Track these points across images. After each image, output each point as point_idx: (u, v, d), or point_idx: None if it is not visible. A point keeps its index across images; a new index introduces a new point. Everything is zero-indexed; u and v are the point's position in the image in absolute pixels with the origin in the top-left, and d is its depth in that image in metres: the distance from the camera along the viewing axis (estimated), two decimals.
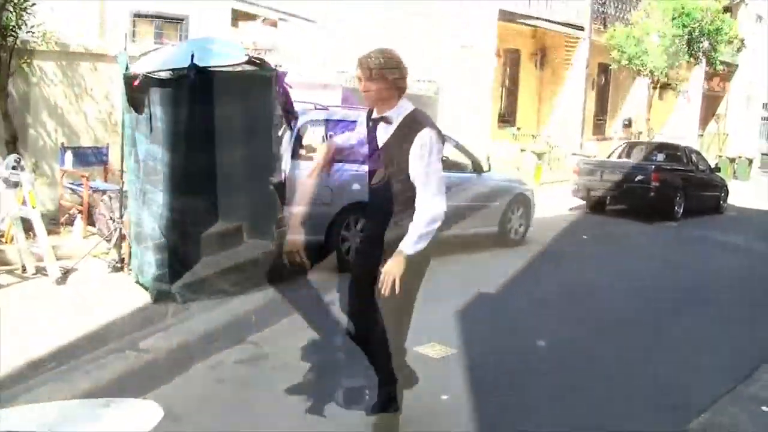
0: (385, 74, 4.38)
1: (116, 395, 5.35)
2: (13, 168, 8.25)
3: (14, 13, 9.48)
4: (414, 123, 4.45)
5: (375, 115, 4.58)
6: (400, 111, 4.50)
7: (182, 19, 17.32)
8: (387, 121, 4.50)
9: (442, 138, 4.50)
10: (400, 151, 4.42)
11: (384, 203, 4.58)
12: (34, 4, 9.64)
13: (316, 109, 10.14)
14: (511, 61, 24.88)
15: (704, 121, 34.23)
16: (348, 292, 4.90)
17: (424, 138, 4.37)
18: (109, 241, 9.29)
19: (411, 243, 4.36)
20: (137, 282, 8.19)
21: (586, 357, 7.07)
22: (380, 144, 4.56)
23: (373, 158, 4.65)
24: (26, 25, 9.74)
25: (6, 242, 9.03)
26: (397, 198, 4.52)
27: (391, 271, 4.30)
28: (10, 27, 9.50)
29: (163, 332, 7.01)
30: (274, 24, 20.61)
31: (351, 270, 5.06)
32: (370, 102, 4.52)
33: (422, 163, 4.37)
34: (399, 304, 4.59)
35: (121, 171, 9.18)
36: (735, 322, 8.72)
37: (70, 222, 10.23)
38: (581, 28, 24.72)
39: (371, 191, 4.75)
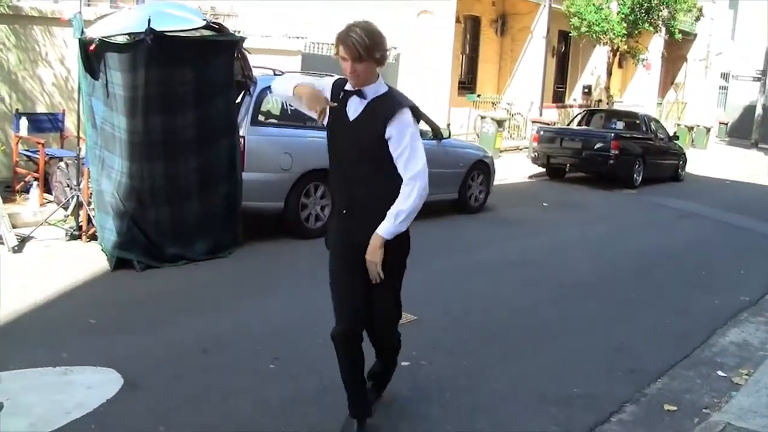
0: (374, 54, 4.06)
1: (74, 364, 5.30)
2: None
3: None
4: (390, 102, 4.19)
5: (348, 87, 4.23)
6: (378, 88, 4.21)
7: None
8: (362, 95, 4.19)
9: (419, 115, 4.32)
10: (371, 130, 4.14)
11: (356, 186, 4.27)
12: None
13: (275, 74, 10.05)
14: (471, 27, 24.82)
15: (663, 90, 34.51)
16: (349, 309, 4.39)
17: (401, 120, 4.13)
18: (66, 208, 9.19)
19: (395, 225, 4.16)
20: (102, 250, 8.09)
21: (544, 321, 7.14)
22: (353, 116, 4.21)
23: (339, 132, 4.30)
24: None
25: None
26: (371, 179, 4.25)
27: (373, 259, 4.18)
28: None
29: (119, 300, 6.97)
30: None
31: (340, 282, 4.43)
32: (357, 83, 4.14)
33: (404, 142, 4.12)
34: (395, 289, 4.59)
35: (77, 137, 9.07)
36: (692, 287, 8.84)
37: (26, 189, 10.08)
38: None
39: (339, 171, 4.38)
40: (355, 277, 4.29)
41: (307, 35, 17.41)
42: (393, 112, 4.13)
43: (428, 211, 11.46)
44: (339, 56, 4.11)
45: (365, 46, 4.00)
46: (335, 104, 4.22)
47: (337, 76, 4.46)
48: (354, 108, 4.22)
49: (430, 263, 8.79)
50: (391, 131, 4.11)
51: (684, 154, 20.76)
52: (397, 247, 4.31)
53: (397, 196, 4.14)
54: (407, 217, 4.16)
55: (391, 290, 4.52)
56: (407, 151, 4.13)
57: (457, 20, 22.02)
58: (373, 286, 4.30)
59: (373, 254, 4.17)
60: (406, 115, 4.15)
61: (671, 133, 21.00)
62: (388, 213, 4.14)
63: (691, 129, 29.47)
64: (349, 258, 4.32)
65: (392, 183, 4.16)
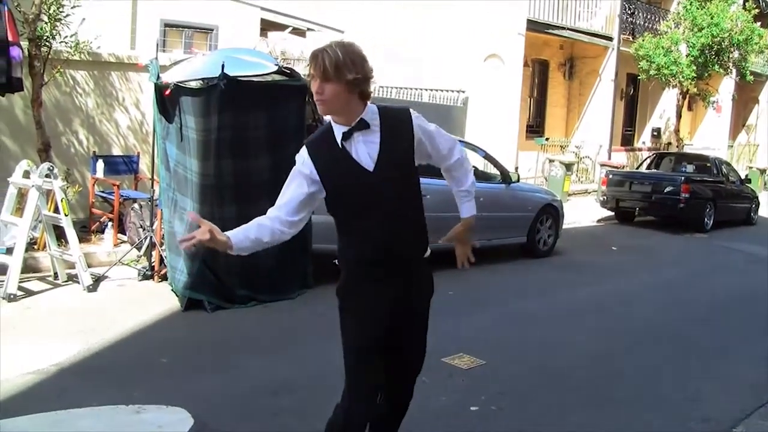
0: (344, 74, 3.34)
1: (145, 402, 5.37)
2: (46, 176, 8.34)
3: (48, 24, 9.60)
4: (396, 113, 3.61)
5: (342, 129, 3.48)
6: (371, 114, 3.50)
7: (212, 29, 17.44)
8: (364, 126, 3.47)
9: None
10: (402, 151, 3.54)
11: (398, 223, 3.56)
12: (67, 15, 9.76)
13: None
14: (540, 71, 24.82)
15: (734, 132, 33.97)
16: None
17: (419, 117, 3.61)
18: (139, 249, 9.37)
19: (473, 205, 3.91)
20: (172, 290, 8.23)
21: (616, 368, 7.02)
22: (373, 158, 3.46)
23: (355, 186, 3.51)
24: (60, 35, 9.86)
25: (38, 249, 9.12)
26: (415, 211, 3.67)
27: (467, 240, 3.93)
28: (45, 37, 9.62)
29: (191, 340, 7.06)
30: (303, 34, 20.70)
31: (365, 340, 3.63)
32: (325, 109, 3.45)
33: (440, 137, 3.68)
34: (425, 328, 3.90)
35: (152, 179, 9.26)
36: (766, 333, 8.63)
37: (101, 230, 10.32)
38: (610, 38, 24.63)
39: (373, 221, 3.54)
40: (388, 356, 3.69)
41: (375, 80, 17.58)
42: (407, 115, 3.58)
43: (497, 254, 11.53)
44: (308, 76, 3.51)
45: (335, 64, 3.32)
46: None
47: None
48: (366, 150, 3.49)
49: (498, 307, 8.76)
50: (417, 135, 3.56)
51: (756, 197, 20.37)
52: (430, 285, 3.84)
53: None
54: (471, 183, 3.89)
55: (425, 336, 3.90)
56: (443, 139, 3.70)
57: (525, 64, 22.03)
58: (407, 333, 3.74)
59: (468, 234, 3.92)
60: (416, 116, 3.60)
61: (743, 176, 20.66)
62: (463, 193, 3.85)
63: (763, 172, 28.90)
64: (392, 327, 3.64)
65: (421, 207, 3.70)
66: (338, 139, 3.49)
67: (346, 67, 3.33)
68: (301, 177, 3.61)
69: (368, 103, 3.51)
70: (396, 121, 3.54)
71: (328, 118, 3.57)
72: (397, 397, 3.89)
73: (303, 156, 3.60)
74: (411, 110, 3.61)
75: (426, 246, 3.70)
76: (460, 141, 11.72)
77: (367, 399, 3.65)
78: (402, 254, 3.58)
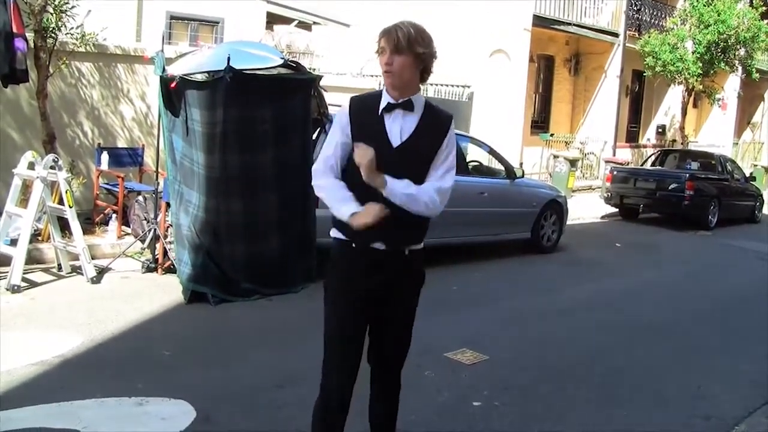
0: (415, 48, 3.54)
1: (148, 395, 5.38)
2: (51, 167, 8.34)
3: (54, 15, 9.58)
4: (441, 113, 3.76)
5: (389, 100, 3.66)
6: (419, 99, 3.70)
7: (218, 22, 17.42)
8: (410, 107, 3.65)
9: None
10: (428, 146, 3.67)
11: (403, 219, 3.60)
12: (73, 7, 9.74)
13: None
14: (545, 67, 24.79)
15: (739, 129, 33.91)
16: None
17: (452, 132, 3.73)
18: (143, 241, 9.38)
19: (401, 188, 3.55)
20: (180, 283, 8.23)
21: (619, 365, 7.02)
22: (402, 137, 3.63)
23: (383, 149, 3.56)
24: (65, 26, 9.84)
25: (42, 240, 9.13)
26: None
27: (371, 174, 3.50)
28: (50, 29, 9.60)
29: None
30: (308, 27, 20.68)
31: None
32: (391, 80, 3.59)
33: (446, 161, 3.71)
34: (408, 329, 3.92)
35: (156, 172, 9.27)
36: None
37: (105, 222, 10.33)
38: (616, 35, 24.62)
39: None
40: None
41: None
42: (448, 124, 3.74)
43: (501, 249, 11.53)
44: (378, 50, 3.63)
45: (408, 37, 3.52)
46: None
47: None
48: (400, 126, 3.65)
49: (501, 303, 8.76)
50: (444, 142, 3.69)
51: (761, 195, 20.35)
52: (418, 271, 3.83)
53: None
54: (410, 197, 3.56)
55: (408, 326, 3.92)
56: (440, 161, 3.68)
57: (531, 60, 21.99)
58: (389, 318, 3.81)
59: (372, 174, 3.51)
60: (452, 126, 3.75)
61: (747, 174, 20.63)
62: (410, 187, 3.57)
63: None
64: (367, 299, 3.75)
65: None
66: (381, 107, 3.66)
67: (417, 42, 3.54)
68: (338, 126, 3.74)
69: (420, 93, 3.70)
70: (437, 119, 3.72)
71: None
72: (384, 385, 3.97)
73: (344, 108, 3.76)
74: (452, 122, 3.76)
75: (418, 239, 3.76)
76: (465, 136, 11.79)
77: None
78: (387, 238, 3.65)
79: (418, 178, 3.63)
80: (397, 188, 3.52)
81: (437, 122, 3.71)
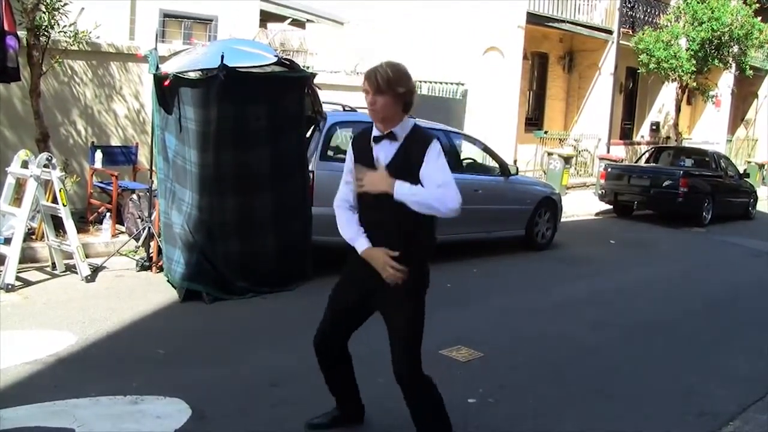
0: (395, 88, 4.07)
1: (143, 393, 5.37)
2: (44, 166, 8.32)
3: (47, 13, 9.56)
4: (422, 136, 4.20)
5: (376, 133, 4.24)
6: (405, 127, 4.21)
7: (211, 20, 17.42)
8: (393, 137, 4.19)
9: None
10: (407, 168, 4.09)
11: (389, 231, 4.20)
12: (66, 5, 9.72)
13: (344, 110, 10.16)
14: (539, 64, 24.79)
15: (733, 126, 33.95)
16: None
17: (435, 147, 4.12)
18: (137, 239, 9.37)
19: (409, 190, 4.03)
20: (168, 281, 8.23)
21: (613, 362, 7.03)
22: (385, 162, 4.17)
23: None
24: (58, 24, 9.82)
25: (36, 239, 9.11)
26: (402, 224, 4.15)
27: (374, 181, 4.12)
28: (43, 27, 9.58)
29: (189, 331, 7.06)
30: (302, 25, 20.68)
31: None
32: (375, 117, 4.17)
33: (435, 165, 4.09)
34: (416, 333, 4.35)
35: (150, 170, 9.26)
36: (764, 327, 8.65)
37: (99, 220, 10.31)
38: (609, 32, 24.62)
39: (373, 216, 4.28)
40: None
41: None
42: (428, 143, 4.13)
43: (495, 247, 11.53)
44: (363, 90, 4.18)
45: (387, 79, 4.06)
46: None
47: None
48: (385, 153, 4.21)
49: (495, 300, 8.76)
50: (426, 159, 4.09)
51: (755, 191, 20.41)
52: (417, 272, 4.24)
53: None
54: (420, 200, 4.01)
55: (402, 317, 4.34)
56: (433, 172, 4.07)
57: (525, 57, 22.00)
58: (380, 306, 4.41)
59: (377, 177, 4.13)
60: (436, 146, 4.14)
61: (741, 171, 20.66)
62: (416, 188, 4.05)
63: (762, 166, 28.89)
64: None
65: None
66: (371, 138, 4.28)
67: (396, 83, 4.08)
68: (348, 155, 4.50)
69: (408, 117, 4.25)
70: (417, 142, 4.17)
71: None
72: (393, 364, 4.39)
73: (351, 141, 4.54)
74: (435, 141, 4.18)
75: (403, 249, 4.15)
76: (458, 133, 11.79)
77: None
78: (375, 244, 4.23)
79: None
80: (403, 190, 4.01)
81: (417, 144, 4.16)
